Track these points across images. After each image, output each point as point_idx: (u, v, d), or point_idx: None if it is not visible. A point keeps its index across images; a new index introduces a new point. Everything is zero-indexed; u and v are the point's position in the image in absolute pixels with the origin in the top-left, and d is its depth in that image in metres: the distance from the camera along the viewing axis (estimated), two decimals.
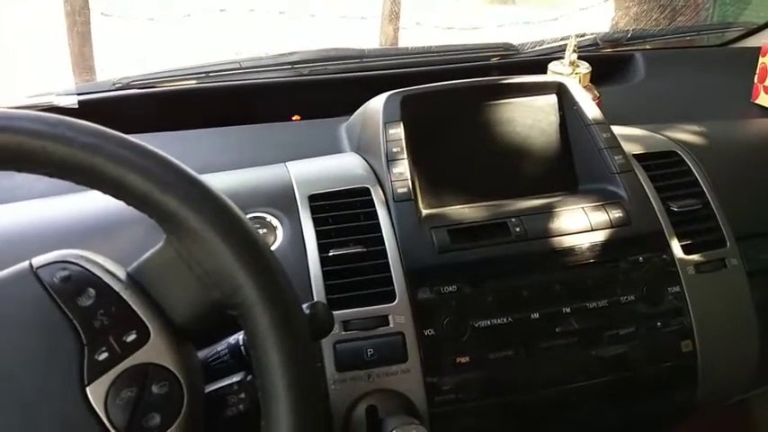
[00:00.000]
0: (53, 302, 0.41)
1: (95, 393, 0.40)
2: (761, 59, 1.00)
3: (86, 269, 0.43)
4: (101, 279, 0.42)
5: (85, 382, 0.40)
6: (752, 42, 1.19)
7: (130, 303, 0.42)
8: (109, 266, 0.43)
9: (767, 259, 0.74)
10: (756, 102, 1.01)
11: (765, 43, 0.99)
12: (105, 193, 0.42)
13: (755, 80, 1.01)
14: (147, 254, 0.44)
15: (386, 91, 0.74)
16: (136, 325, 0.41)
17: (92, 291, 0.42)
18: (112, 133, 0.41)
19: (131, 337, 0.41)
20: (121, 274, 0.43)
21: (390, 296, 0.62)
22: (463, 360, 0.62)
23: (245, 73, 1.00)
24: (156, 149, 0.42)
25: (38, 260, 0.43)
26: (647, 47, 1.17)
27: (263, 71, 1.01)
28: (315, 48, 1.07)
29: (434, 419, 0.62)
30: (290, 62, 1.03)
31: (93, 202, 0.63)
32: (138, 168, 0.40)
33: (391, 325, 0.62)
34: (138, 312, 0.42)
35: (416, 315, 0.62)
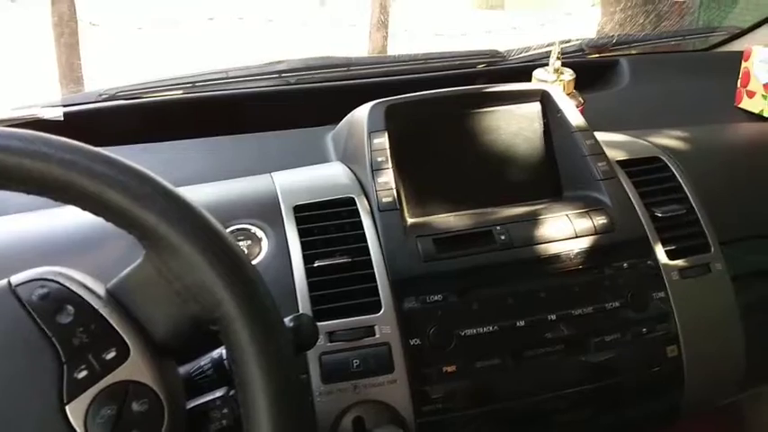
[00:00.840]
0: (32, 320, 0.41)
1: (75, 412, 0.40)
2: (743, 64, 1.00)
3: (65, 286, 0.42)
4: (80, 296, 0.42)
5: (65, 401, 0.40)
6: (736, 47, 1.20)
7: (110, 320, 0.42)
8: (88, 283, 0.43)
9: (751, 263, 0.74)
10: (739, 106, 1.01)
11: (748, 48, 1.00)
12: (83, 209, 0.41)
13: (738, 85, 1.01)
14: (127, 270, 0.43)
15: (373, 99, 0.74)
16: (115, 342, 0.41)
17: (71, 308, 0.41)
18: (90, 149, 0.41)
19: (111, 355, 0.41)
20: (101, 290, 0.43)
21: (376, 306, 0.62)
22: (450, 369, 0.62)
23: (232, 82, 1.00)
24: (134, 164, 0.41)
25: (16, 278, 0.43)
26: (633, 52, 1.18)
27: (250, 80, 1.01)
28: (302, 56, 1.07)
29: (422, 429, 0.61)
30: (277, 71, 1.03)
31: (73, 218, 0.63)
32: (116, 184, 0.40)
33: (377, 335, 0.61)
34: (118, 329, 0.41)
35: (402, 325, 0.62)
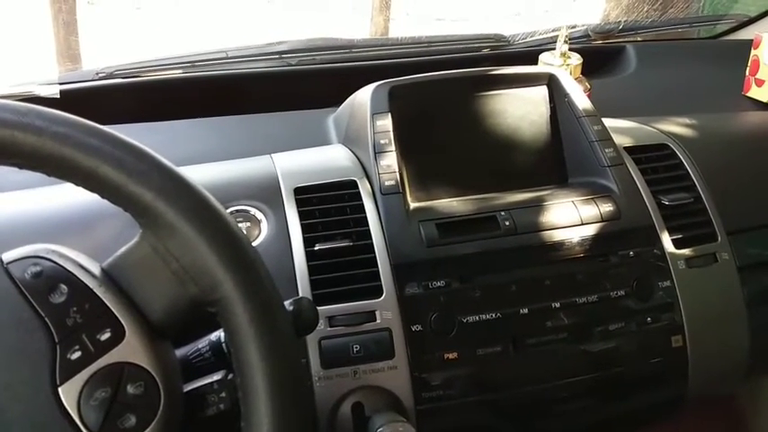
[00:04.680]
0: (24, 299, 0.40)
1: (68, 394, 0.38)
2: (753, 51, 0.99)
3: (59, 264, 0.41)
4: (74, 275, 0.41)
5: (57, 383, 0.38)
6: (743, 35, 1.18)
7: (105, 300, 0.40)
8: (82, 262, 0.42)
9: (758, 254, 0.73)
10: (747, 95, 1.00)
11: (758, 35, 0.98)
12: (77, 185, 0.40)
13: (747, 73, 1.00)
14: (123, 249, 0.42)
15: (375, 82, 0.73)
16: (110, 323, 0.40)
17: (64, 287, 0.40)
18: (84, 122, 0.39)
19: (105, 336, 0.40)
20: (96, 269, 0.42)
21: (377, 291, 0.61)
22: (451, 356, 0.61)
23: (232, 63, 0.98)
24: (130, 140, 0.40)
25: (8, 255, 0.41)
26: (639, 39, 1.16)
27: (249, 61, 1.00)
28: (303, 37, 1.05)
29: (421, 416, 0.61)
30: (278, 52, 1.01)
31: (68, 195, 0.61)
32: (111, 159, 0.39)
33: (378, 321, 0.60)
34: (113, 310, 0.40)
35: (404, 310, 0.61)
